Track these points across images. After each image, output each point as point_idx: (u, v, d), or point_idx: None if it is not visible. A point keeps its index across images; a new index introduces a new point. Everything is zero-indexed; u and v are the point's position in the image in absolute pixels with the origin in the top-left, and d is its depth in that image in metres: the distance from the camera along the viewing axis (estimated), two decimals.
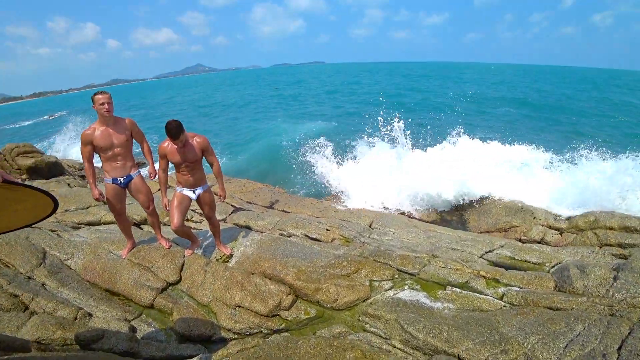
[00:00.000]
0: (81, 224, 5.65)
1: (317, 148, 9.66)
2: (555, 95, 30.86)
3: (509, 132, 11.80)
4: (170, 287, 3.89)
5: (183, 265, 4.12)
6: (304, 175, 9.52)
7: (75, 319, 3.31)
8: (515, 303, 3.52)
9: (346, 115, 21.64)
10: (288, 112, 23.64)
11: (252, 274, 3.84)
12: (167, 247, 4.36)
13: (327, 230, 5.15)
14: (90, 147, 3.63)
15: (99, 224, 5.67)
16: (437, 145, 9.40)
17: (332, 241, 4.94)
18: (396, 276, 3.96)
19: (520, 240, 5.68)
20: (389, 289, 3.78)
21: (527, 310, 3.28)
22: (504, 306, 3.50)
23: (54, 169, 10.18)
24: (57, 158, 11.22)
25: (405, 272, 4.04)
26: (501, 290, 3.73)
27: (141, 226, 5.59)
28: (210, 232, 4.83)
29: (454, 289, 3.79)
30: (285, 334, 3.33)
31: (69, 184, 8.19)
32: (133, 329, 3.32)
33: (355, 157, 9.67)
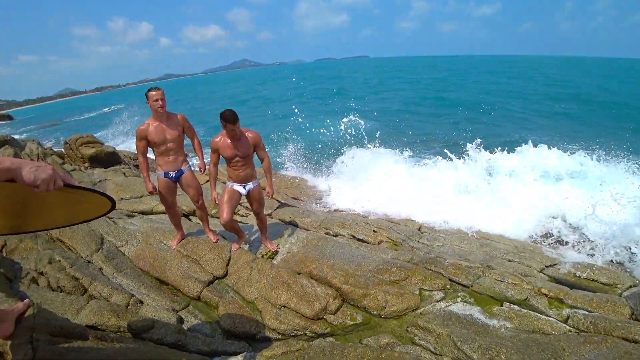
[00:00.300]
0: (135, 212, 5.89)
1: (367, 147, 9.39)
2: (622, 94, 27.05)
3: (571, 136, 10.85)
4: (216, 281, 3.92)
5: (230, 259, 4.13)
6: (349, 173, 9.32)
7: (128, 305, 3.41)
8: (582, 329, 3.15)
9: (393, 113, 20.94)
10: (332, 107, 23.19)
11: (299, 273, 3.78)
12: (215, 241, 4.41)
13: (374, 231, 4.98)
14: (145, 142, 3.75)
15: (151, 213, 5.89)
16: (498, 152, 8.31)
17: (379, 243, 4.77)
18: (448, 287, 3.72)
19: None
20: (440, 300, 3.56)
21: (597, 339, 2.91)
22: (569, 331, 3.15)
23: (112, 159, 10.79)
24: (114, 148, 11.89)
25: (458, 283, 3.78)
26: (566, 312, 3.37)
27: (190, 217, 5.72)
28: (256, 227, 4.84)
29: (512, 306, 3.48)
30: (330, 339, 3.23)
31: (124, 173, 8.61)
32: (180, 320, 3.36)
33: (407, 160, 9.12)
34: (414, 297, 3.51)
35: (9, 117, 51.70)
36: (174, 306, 3.56)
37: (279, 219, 5.58)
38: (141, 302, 3.54)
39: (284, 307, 3.36)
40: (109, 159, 10.70)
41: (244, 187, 4.03)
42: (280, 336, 3.20)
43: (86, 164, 10.19)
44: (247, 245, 4.52)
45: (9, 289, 3.15)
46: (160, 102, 3.63)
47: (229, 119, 3.51)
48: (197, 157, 4.24)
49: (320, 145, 12.80)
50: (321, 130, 13.03)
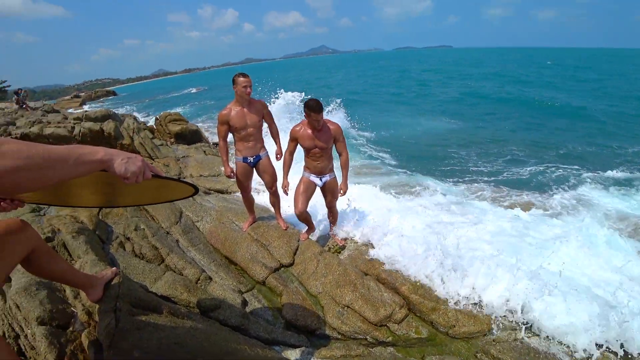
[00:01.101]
0: (211, 190, 6.18)
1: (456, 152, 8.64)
2: None
3: None
4: (282, 269, 3.93)
5: (297, 249, 4.12)
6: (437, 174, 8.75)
7: (198, 280, 3.56)
8: None
9: (498, 120, 16.41)
10: (418, 106, 21.34)
11: (366, 274, 3.64)
12: (285, 228, 4.44)
13: None
14: (226, 126, 3.82)
15: (226, 192, 6.14)
16: None
17: None
18: None
19: None
20: (516, 329, 3.18)
21: None
22: None
23: (195, 136, 11.52)
24: (197, 127, 12.68)
25: None
26: None
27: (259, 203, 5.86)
28: (325, 220, 4.78)
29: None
30: (391, 349, 3.04)
31: (204, 152, 9.13)
32: (244, 302, 3.41)
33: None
34: (486, 320, 3.18)
35: (113, 93, 58.32)
36: (240, 287, 3.64)
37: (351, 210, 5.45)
38: (210, 279, 3.67)
39: (348, 307, 3.25)
40: (192, 137, 11.44)
41: (321, 179, 4.00)
42: (340, 336, 3.10)
43: (172, 140, 11.00)
44: (315, 237, 4.49)
45: (102, 251, 3.45)
46: (248, 89, 3.69)
47: (314, 108, 3.46)
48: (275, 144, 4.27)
49: (413, 144, 12.35)
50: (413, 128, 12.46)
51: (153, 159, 7.86)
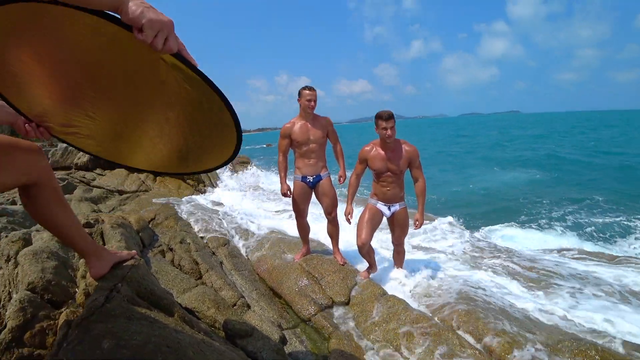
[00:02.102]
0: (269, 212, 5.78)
1: None
2: None
3: None
4: (334, 307, 3.22)
5: (354, 286, 3.42)
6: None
7: (234, 305, 2.98)
8: None
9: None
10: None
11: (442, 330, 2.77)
12: (342, 264, 3.79)
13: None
14: (288, 140, 3.56)
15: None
16: None
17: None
18: None
19: None
20: None
21: None
22: None
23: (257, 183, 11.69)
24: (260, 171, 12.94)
25: None
26: None
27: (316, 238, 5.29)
28: (389, 261, 4.04)
29: None
30: None
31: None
32: (283, 339, 2.73)
33: None
34: None
35: None
36: (280, 322, 2.99)
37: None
38: (248, 307, 3.08)
39: None
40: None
41: (389, 208, 3.40)
42: None
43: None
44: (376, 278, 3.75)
45: (136, 248, 3.08)
46: (313, 103, 3.46)
47: (381, 115, 3.07)
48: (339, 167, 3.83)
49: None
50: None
51: (214, 187, 7.88)
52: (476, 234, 6.30)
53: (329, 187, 3.68)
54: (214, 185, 7.98)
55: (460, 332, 2.66)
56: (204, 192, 7.58)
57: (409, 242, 4.86)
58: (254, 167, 12.26)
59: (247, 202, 7.25)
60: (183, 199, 6.27)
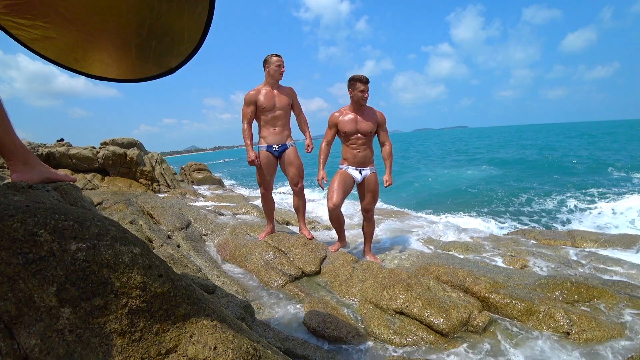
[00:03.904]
0: (227, 211, 5.45)
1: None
2: None
3: None
4: (305, 278, 2.99)
5: (325, 258, 3.21)
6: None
7: None
8: None
9: None
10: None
11: (421, 277, 2.62)
12: (310, 238, 3.58)
13: (512, 256, 3.54)
14: (253, 107, 3.39)
15: (243, 214, 5.39)
16: None
17: (522, 268, 3.33)
18: None
19: None
20: None
21: None
22: None
23: (217, 184, 11.17)
24: (220, 177, 12.42)
25: None
26: None
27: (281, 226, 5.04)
28: (356, 241, 3.89)
29: None
30: None
31: (224, 190, 8.58)
32: (250, 310, 2.45)
33: None
34: (614, 324, 2.08)
35: None
36: (245, 294, 2.70)
37: (384, 236, 4.52)
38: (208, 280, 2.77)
39: (401, 313, 2.22)
40: (215, 184, 11.09)
41: (360, 172, 3.29)
42: (393, 352, 2.04)
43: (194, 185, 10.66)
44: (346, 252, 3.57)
45: None
46: (282, 68, 3.37)
47: (360, 78, 3.10)
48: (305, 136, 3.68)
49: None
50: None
51: (171, 188, 7.34)
52: (441, 218, 6.39)
53: (295, 156, 3.51)
54: (169, 186, 7.46)
55: (440, 281, 2.53)
56: (159, 191, 7.07)
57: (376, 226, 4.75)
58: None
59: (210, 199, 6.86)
60: (137, 193, 5.78)
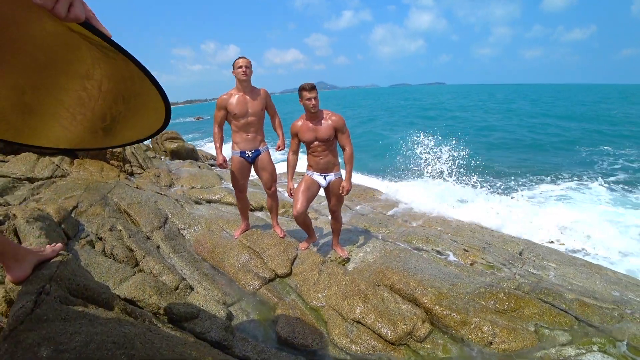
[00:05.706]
0: (203, 199, 5.64)
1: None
2: None
3: None
4: (277, 280, 3.34)
5: (295, 258, 3.55)
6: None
7: (177, 289, 2.95)
8: None
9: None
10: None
11: (377, 285, 3.03)
12: (282, 236, 3.88)
13: (465, 250, 4.05)
14: (224, 112, 3.44)
15: (218, 202, 5.60)
16: None
17: (472, 265, 3.83)
18: (576, 327, 2.71)
19: None
20: (566, 345, 2.56)
21: None
22: None
23: (191, 155, 11.07)
24: (194, 146, 12.27)
25: (590, 325, 2.74)
26: None
27: (256, 213, 5.31)
28: (326, 230, 4.23)
29: None
30: None
31: (199, 166, 8.64)
32: (230, 316, 2.80)
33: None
34: (529, 334, 2.57)
35: None
36: (225, 299, 3.03)
37: (352, 226, 4.90)
38: (191, 289, 3.07)
39: (358, 322, 2.63)
40: (188, 155, 10.98)
41: (325, 178, 3.51)
42: (349, 358, 2.47)
43: (167, 157, 10.54)
44: (316, 248, 3.92)
45: (60, 242, 2.86)
46: (244, 69, 3.33)
47: (304, 86, 3.16)
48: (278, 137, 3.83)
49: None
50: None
51: (144, 169, 7.36)
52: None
53: (268, 161, 3.66)
54: (142, 167, 7.46)
55: (393, 291, 2.94)
56: (132, 173, 7.08)
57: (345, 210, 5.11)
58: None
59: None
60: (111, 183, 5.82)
